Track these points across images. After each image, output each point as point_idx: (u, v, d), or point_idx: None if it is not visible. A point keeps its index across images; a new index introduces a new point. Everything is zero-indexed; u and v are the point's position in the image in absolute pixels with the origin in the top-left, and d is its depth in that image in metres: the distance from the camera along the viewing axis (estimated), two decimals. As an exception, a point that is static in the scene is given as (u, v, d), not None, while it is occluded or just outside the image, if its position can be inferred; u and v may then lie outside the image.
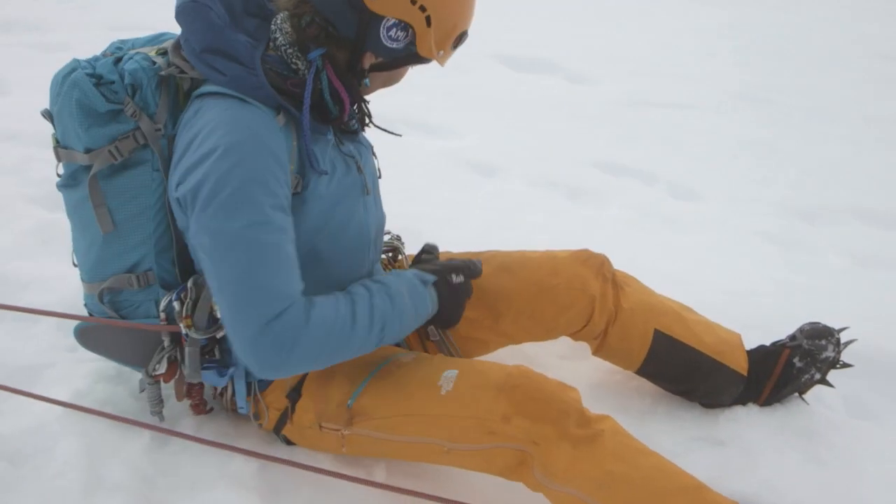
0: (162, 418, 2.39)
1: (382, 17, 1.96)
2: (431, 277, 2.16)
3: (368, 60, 2.05)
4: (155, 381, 2.33)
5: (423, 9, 1.95)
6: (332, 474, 2.17)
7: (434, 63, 2.09)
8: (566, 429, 1.97)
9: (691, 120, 5.53)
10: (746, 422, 2.51)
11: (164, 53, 2.14)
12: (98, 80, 2.06)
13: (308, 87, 2.00)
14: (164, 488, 2.22)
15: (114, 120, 2.08)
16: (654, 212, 4.26)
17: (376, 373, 2.18)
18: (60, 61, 2.11)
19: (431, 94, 5.23)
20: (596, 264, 2.48)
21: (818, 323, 2.59)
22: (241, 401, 2.29)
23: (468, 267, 2.25)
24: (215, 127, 1.93)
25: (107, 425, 2.34)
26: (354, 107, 2.17)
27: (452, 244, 2.68)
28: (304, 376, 2.24)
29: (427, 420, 2.08)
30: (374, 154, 2.37)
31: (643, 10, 7.67)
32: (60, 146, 2.15)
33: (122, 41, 2.24)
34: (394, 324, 2.06)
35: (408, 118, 4.63)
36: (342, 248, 2.18)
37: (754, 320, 2.86)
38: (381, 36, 1.99)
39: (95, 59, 2.14)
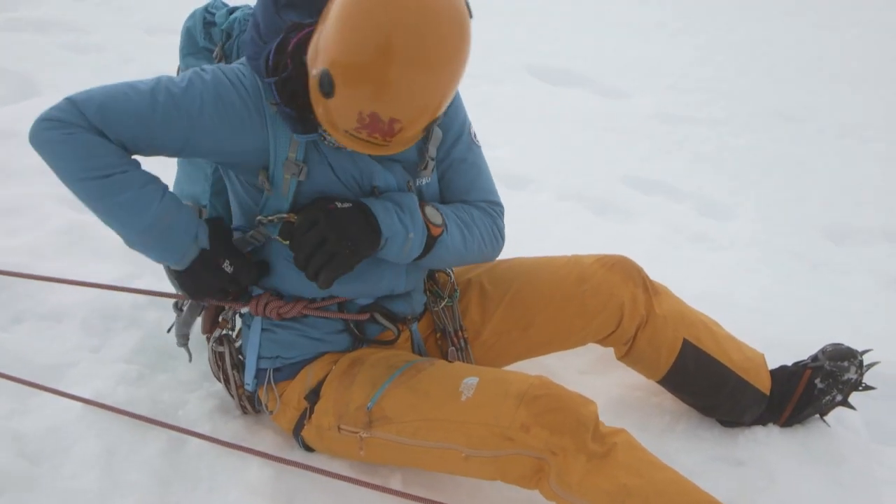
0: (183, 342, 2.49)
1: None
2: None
3: None
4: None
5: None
6: (348, 480, 2.19)
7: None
8: (584, 442, 1.98)
9: (724, 136, 5.48)
10: (766, 442, 2.51)
11: None
12: (210, 20, 2.34)
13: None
14: (179, 491, 2.23)
15: (205, 58, 2.36)
16: (683, 228, 4.25)
17: (396, 377, 2.18)
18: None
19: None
20: (624, 269, 2.47)
21: (841, 344, 2.58)
22: (249, 377, 2.34)
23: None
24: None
25: (125, 427, 2.35)
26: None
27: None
28: (324, 378, 2.27)
29: (447, 426, 2.09)
30: (409, 187, 2.26)
31: (677, 26, 7.62)
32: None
33: None
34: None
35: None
36: None
37: (777, 339, 2.83)
38: None
39: (223, 3, 2.36)
